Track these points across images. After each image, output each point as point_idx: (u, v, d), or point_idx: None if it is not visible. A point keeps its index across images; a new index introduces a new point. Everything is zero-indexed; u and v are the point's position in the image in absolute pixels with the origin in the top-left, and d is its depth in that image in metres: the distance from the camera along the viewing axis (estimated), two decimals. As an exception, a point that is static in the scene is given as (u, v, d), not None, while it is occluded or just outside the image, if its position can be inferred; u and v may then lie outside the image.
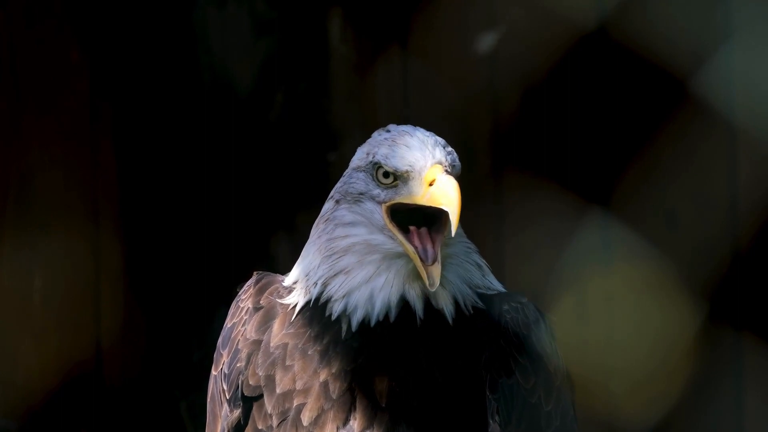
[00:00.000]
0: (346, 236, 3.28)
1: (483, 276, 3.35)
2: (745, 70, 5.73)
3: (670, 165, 5.79)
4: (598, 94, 5.87)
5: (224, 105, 5.99)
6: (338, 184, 3.36)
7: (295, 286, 3.35)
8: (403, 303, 3.25)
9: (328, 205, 3.36)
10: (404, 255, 3.23)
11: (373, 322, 3.24)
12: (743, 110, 5.70)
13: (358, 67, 5.99)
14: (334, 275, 3.28)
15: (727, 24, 5.76)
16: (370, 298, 3.25)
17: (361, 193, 3.29)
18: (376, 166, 3.28)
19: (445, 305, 3.26)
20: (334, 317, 3.26)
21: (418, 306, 3.25)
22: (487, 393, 3.22)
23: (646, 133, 5.80)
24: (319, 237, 3.33)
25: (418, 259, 3.20)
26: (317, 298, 3.28)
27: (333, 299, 3.27)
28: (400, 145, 3.27)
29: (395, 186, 3.26)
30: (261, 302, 3.38)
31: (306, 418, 3.23)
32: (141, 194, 5.96)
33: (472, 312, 3.28)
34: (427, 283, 3.19)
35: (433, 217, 3.23)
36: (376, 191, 3.27)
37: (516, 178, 5.83)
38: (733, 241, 5.79)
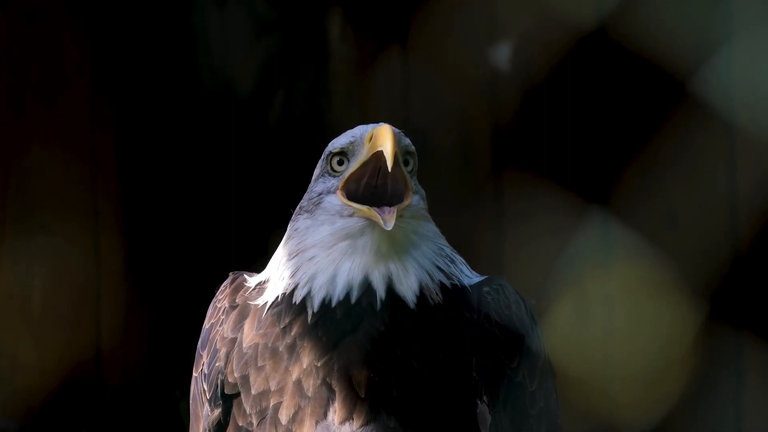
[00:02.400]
0: (311, 235, 3.34)
1: (456, 266, 3.37)
2: (745, 70, 5.73)
3: (670, 165, 5.80)
4: (598, 94, 5.87)
5: (224, 105, 5.99)
6: (303, 197, 3.46)
7: (266, 286, 3.38)
8: (367, 285, 3.28)
9: (295, 213, 3.45)
10: (367, 229, 3.28)
11: (334, 302, 3.27)
12: (743, 110, 5.70)
13: (358, 67, 5.99)
14: (301, 265, 3.32)
15: (727, 24, 5.76)
16: (333, 278, 3.28)
17: (320, 193, 3.37)
18: (329, 158, 3.40)
19: (408, 289, 3.28)
20: (298, 302, 3.29)
21: (380, 288, 3.27)
22: (474, 374, 3.23)
23: (646, 133, 5.80)
24: (287, 239, 3.40)
25: (375, 213, 3.24)
26: (285, 291, 3.32)
27: (299, 286, 3.30)
28: (347, 132, 3.42)
29: (347, 167, 3.36)
30: (236, 301, 3.42)
31: (284, 416, 3.25)
32: (141, 194, 5.96)
33: (437, 299, 3.29)
34: (382, 224, 3.22)
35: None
36: (331, 182, 3.37)
37: (516, 178, 5.83)
38: (733, 241, 5.79)
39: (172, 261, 5.96)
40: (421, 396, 3.21)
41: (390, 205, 3.28)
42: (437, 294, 3.30)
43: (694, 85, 5.66)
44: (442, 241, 3.41)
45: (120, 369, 5.90)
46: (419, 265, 3.31)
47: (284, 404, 3.25)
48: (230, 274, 3.49)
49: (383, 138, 3.27)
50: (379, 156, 3.28)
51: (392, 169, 3.27)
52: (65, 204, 5.85)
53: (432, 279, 3.31)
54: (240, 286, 3.44)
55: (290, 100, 6.01)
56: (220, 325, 3.39)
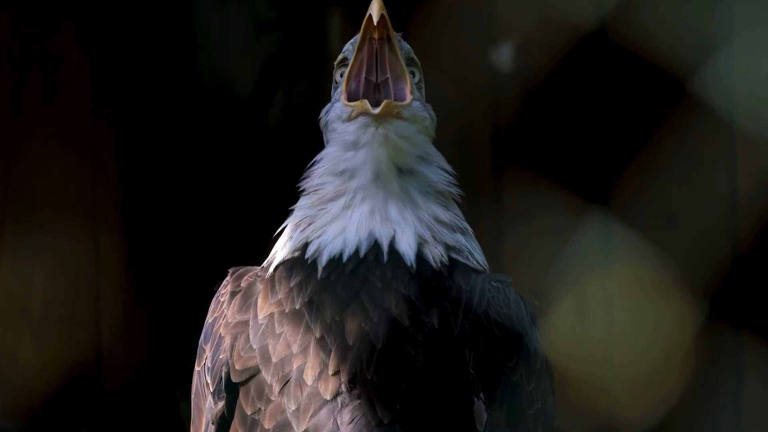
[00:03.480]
0: (322, 161, 3.36)
1: (466, 239, 3.37)
2: (745, 70, 5.73)
3: (670, 165, 5.80)
4: (598, 94, 5.87)
5: (224, 104, 5.99)
6: None
7: (275, 256, 3.37)
8: (372, 240, 3.26)
9: None
10: (367, 131, 3.25)
11: (345, 256, 3.25)
12: (743, 110, 5.70)
13: (358, 67, 5.99)
14: (313, 215, 3.33)
15: (727, 24, 5.76)
16: (344, 231, 3.27)
17: (327, 110, 3.42)
18: (334, 72, 3.43)
19: (409, 245, 3.26)
20: (309, 256, 3.28)
21: (384, 240, 3.26)
22: (471, 370, 3.21)
23: (646, 133, 5.80)
24: (304, 192, 3.41)
25: (365, 102, 3.24)
26: (296, 247, 3.31)
27: (310, 241, 3.30)
28: None
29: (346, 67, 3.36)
30: (240, 285, 3.40)
31: (309, 377, 3.21)
32: (141, 194, 5.96)
33: (440, 258, 3.27)
34: (370, 109, 3.22)
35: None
36: (335, 93, 3.41)
37: (516, 178, 5.83)
38: (733, 241, 5.79)
39: (172, 261, 5.96)
40: (415, 368, 3.19)
41: None
42: (441, 255, 3.29)
43: (694, 85, 5.66)
44: (449, 178, 3.39)
45: (120, 369, 5.90)
46: (417, 216, 3.29)
47: (308, 364, 3.21)
48: (230, 270, 3.48)
49: (372, 9, 3.23)
50: (371, 32, 3.26)
51: (388, 53, 3.25)
52: (65, 204, 5.85)
53: (435, 237, 3.30)
54: (243, 275, 3.42)
55: (290, 100, 6.01)
56: (222, 318, 3.38)
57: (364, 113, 3.26)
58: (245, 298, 3.36)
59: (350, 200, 3.29)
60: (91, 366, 5.87)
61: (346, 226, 3.27)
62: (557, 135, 5.89)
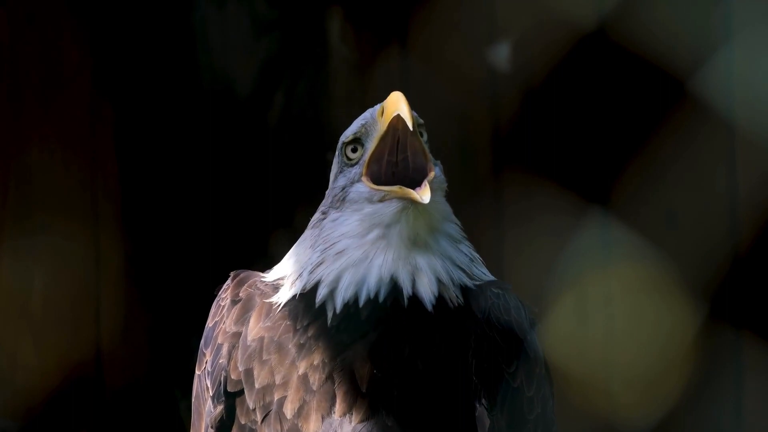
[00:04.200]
0: (340, 226, 3.32)
1: (476, 267, 3.38)
2: (745, 70, 5.73)
3: (670, 165, 5.80)
4: (598, 94, 5.87)
5: (224, 104, 5.99)
6: (322, 203, 3.42)
7: (281, 282, 3.37)
8: (393, 284, 3.26)
9: (316, 216, 3.41)
10: (402, 213, 3.26)
11: (362, 301, 3.25)
12: (743, 110, 5.70)
13: (358, 67, 6.00)
14: (325, 259, 3.31)
15: (727, 24, 5.76)
16: (364, 276, 3.27)
17: (344, 187, 3.35)
18: (342, 149, 3.38)
19: (431, 289, 3.27)
20: (319, 301, 3.27)
21: (406, 284, 3.26)
22: (473, 378, 3.23)
23: (646, 133, 5.80)
24: (311, 236, 3.37)
25: (408, 190, 3.23)
26: (305, 287, 3.30)
27: (321, 284, 3.29)
28: (355, 120, 3.40)
29: (363, 152, 3.35)
30: (239, 295, 3.40)
31: (288, 410, 3.23)
32: (141, 194, 5.96)
33: (456, 301, 3.29)
34: (418, 198, 3.21)
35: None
36: (352, 172, 3.34)
37: (516, 178, 5.83)
38: (733, 241, 5.79)
39: (172, 261, 5.96)
40: (422, 397, 3.21)
41: (414, 183, 3.26)
42: (457, 297, 3.30)
43: (694, 85, 5.66)
44: (460, 234, 3.39)
45: (120, 369, 5.90)
46: (443, 263, 3.31)
47: (289, 398, 3.24)
48: (231, 273, 3.47)
49: (396, 102, 3.25)
50: (396, 124, 3.26)
51: (410, 137, 3.25)
52: (65, 204, 5.86)
53: (453, 281, 3.31)
54: (243, 281, 3.42)
55: (290, 100, 6.01)
56: (222, 324, 3.39)
57: (403, 197, 3.25)
58: (243, 310, 3.37)
59: (373, 251, 3.29)
60: (91, 366, 5.87)
61: (369, 270, 3.28)
62: (557, 135, 5.89)
